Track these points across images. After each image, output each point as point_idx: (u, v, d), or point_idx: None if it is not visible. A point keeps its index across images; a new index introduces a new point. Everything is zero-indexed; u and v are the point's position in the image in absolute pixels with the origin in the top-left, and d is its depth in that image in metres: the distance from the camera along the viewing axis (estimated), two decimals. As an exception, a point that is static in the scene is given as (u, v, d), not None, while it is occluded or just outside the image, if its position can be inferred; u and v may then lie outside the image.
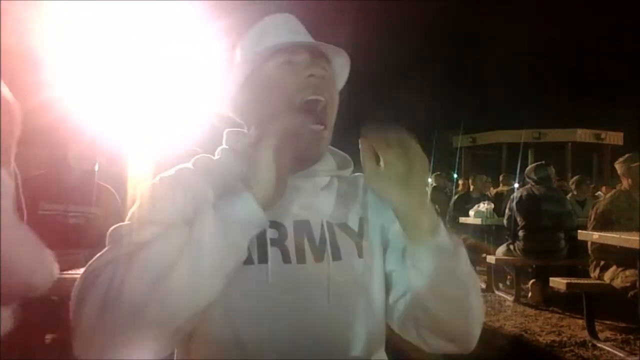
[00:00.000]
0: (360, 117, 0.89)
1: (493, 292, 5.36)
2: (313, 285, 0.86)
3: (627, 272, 3.47)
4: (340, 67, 1.00)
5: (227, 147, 0.98)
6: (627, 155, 4.11)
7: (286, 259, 0.87)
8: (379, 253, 0.95)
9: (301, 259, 0.87)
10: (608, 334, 3.86)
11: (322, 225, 0.90)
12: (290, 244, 0.88)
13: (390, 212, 0.85)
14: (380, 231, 0.96)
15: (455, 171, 14.83)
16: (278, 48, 0.92)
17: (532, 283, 4.89)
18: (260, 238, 0.85)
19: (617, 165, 4.14)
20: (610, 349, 3.51)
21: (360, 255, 0.91)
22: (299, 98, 0.89)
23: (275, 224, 0.88)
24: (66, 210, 2.36)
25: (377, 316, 0.92)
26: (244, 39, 1.01)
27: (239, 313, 0.82)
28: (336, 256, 0.89)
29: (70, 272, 1.75)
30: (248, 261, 0.82)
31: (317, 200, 0.93)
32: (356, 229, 0.94)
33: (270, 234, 0.87)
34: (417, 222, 0.82)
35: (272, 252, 0.85)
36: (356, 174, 1.02)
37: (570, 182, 7.30)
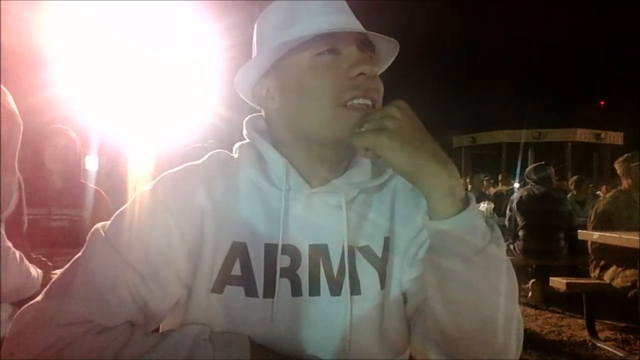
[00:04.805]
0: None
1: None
2: (327, 321, 0.76)
3: (627, 272, 3.47)
4: (385, 55, 0.85)
5: (246, 142, 0.85)
6: (626, 155, 4.10)
7: (296, 291, 0.76)
8: (399, 278, 0.82)
9: (315, 291, 0.77)
10: (608, 333, 3.85)
11: (343, 251, 0.78)
12: (302, 272, 0.77)
13: (419, 220, 0.74)
14: (406, 249, 0.82)
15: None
16: (316, 35, 0.75)
17: (532, 283, 4.89)
18: (269, 267, 0.76)
19: (616, 165, 4.14)
20: (610, 349, 3.50)
21: (382, 287, 0.80)
22: (345, 98, 0.75)
23: (288, 249, 0.77)
24: (50, 214, 2.35)
25: (400, 353, 0.83)
26: (267, 14, 0.83)
27: None
28: (355, 290, 0.78)
29: (58, 272, 1.76)
30: (251, 293, 0.75)
31: (340, 218, 0.79)
32: (380, 254, 0.81)
33: (282, 261, 0.76)
34: (435, 188, 0.68)
35: (281, 285, 0.75)
36: (385, 177, 0.85)
37: (570, 182, 7.30)
